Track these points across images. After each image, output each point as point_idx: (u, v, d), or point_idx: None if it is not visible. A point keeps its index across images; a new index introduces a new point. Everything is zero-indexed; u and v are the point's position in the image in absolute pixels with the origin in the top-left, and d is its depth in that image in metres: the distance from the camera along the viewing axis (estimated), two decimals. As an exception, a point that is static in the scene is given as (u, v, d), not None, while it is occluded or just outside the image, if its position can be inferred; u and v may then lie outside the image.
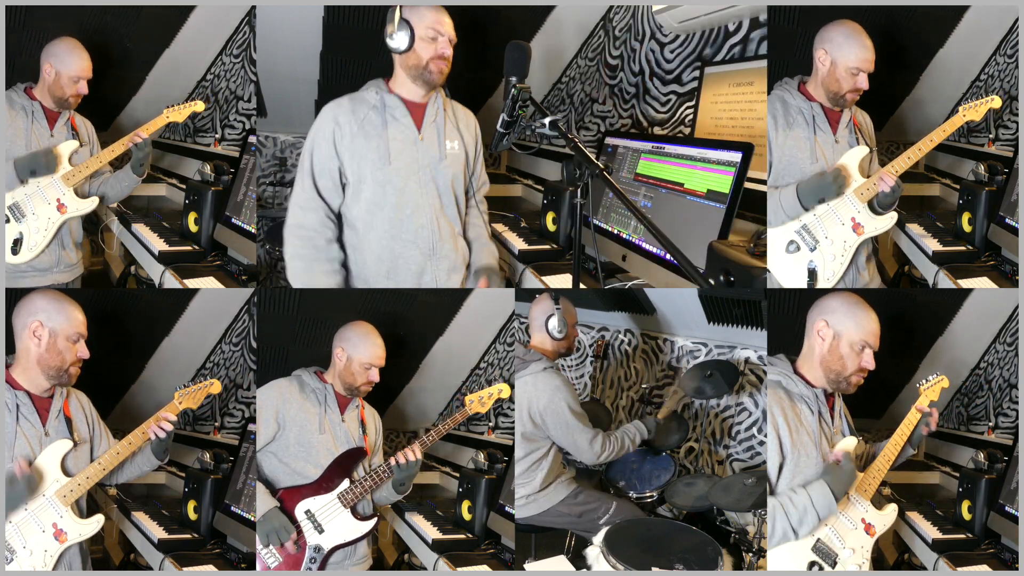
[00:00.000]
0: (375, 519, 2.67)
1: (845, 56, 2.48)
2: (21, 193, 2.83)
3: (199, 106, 2.92)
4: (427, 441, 2.67)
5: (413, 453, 2.62)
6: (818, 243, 2.52)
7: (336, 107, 2.50)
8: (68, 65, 2.86)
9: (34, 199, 2.84)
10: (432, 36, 2.44)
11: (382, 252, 2.51)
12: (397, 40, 2.45)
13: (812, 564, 2.22)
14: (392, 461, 2.63)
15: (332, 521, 2.59)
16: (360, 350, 2.67)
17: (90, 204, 2.92)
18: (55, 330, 2.38)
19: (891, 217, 2.52)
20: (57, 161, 2.85)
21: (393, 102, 2.51)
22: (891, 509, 2.33)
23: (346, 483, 2.62)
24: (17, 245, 2.84)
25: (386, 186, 2.48)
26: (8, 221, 2.82)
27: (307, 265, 2.48)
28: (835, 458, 2.24)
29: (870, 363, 2.23)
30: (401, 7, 2.45)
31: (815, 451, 2.22)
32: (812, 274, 2.52)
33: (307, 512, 2.58)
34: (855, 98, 2.53)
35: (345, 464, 2.63)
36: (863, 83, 2.49)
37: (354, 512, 2.62)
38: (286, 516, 2.54)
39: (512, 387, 2.79)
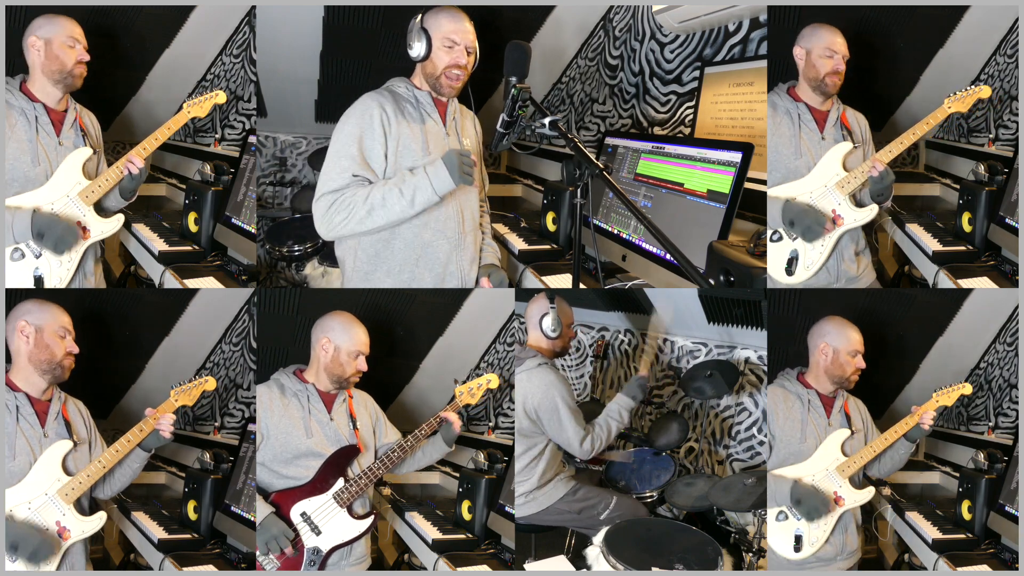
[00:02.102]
0: (372, 517, 2.67)
1: (816, 42, 2.63)
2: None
3: (220, 97, 2.69)
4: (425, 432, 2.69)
5: (456, 414, 2.69)
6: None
7: (379, 96, 2.48)
8: (59, 31, 2.56)
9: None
10: (448, 45, 2.45)
11: (413, 239, 2.50)
12: (415, 49, 2.47)
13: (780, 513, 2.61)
14: (438, 420, 2.68)
15: (329, 522, 2.58)
16: (346, 338, 2.65)
17: (115, 223, 2.64)
18: (40, 326, 2.43)
19: (871, 210, 2.62)
20: (80, 240, 2.54)
21: (424, 97, 2.53)
22: (868, 490, 2.67)
23: (340, 482, 2.61)
24: (40, 285, 2.52)
25: None
26: (23, 256, 2.52)
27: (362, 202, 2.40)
28: None
29: (862, 363, 2.70)
30: (423, 16, 2.47)
31: (799, 434, 2.67)
32: (791, 261, 2.61)
33: (303, 514, 2.57)
34: (836, 82, 2.64)
35: (338, 463, 2.62)
36: (840, 65, 2.63)
37: (350, 511, 2.62)
38: (284, 522, 2.54)
39: (502, 378, 2.80)
